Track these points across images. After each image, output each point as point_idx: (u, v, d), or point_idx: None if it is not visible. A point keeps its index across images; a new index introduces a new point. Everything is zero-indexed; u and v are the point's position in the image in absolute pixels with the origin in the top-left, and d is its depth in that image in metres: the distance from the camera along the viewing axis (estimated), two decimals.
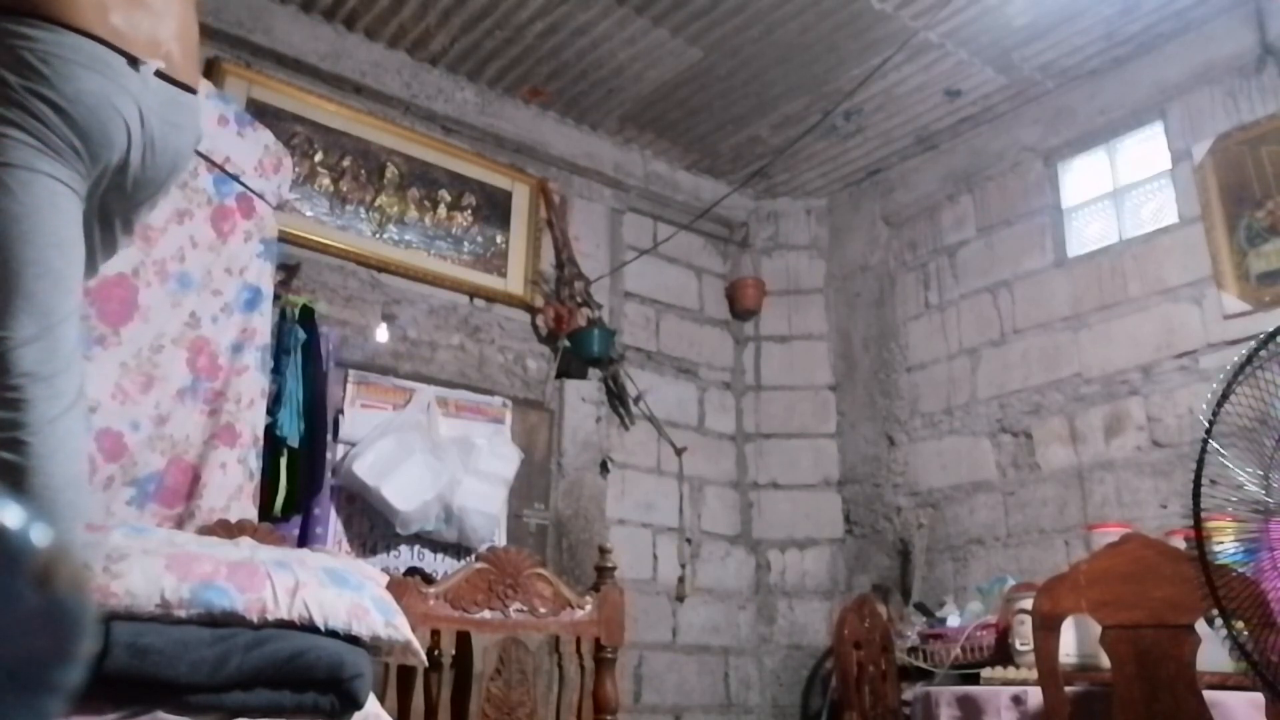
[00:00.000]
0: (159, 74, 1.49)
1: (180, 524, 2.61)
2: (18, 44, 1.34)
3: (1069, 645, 2.43)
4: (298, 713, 1.62)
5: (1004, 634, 3.05)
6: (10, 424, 1.28)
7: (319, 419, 3.16)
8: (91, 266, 1.54)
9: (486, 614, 2.40)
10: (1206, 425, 1.69)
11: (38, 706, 0.46)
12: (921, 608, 3.90)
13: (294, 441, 3.05)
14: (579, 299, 4.11)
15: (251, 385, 2.89)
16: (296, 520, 3.10)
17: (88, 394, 1.46)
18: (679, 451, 4.34)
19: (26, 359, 1.30)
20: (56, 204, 1.36)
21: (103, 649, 1.42)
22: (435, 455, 3.39)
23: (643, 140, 4.46)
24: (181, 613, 1.53)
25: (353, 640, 1.71)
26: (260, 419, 2.92)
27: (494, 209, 4.05)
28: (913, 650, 3.52)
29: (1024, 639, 2.74)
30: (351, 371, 3.46)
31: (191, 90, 1.59)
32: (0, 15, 1.36)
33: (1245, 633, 1.69)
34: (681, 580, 4.24)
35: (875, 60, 3.75)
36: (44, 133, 1.34)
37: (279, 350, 3.10)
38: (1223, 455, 1.69)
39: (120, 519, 2.40)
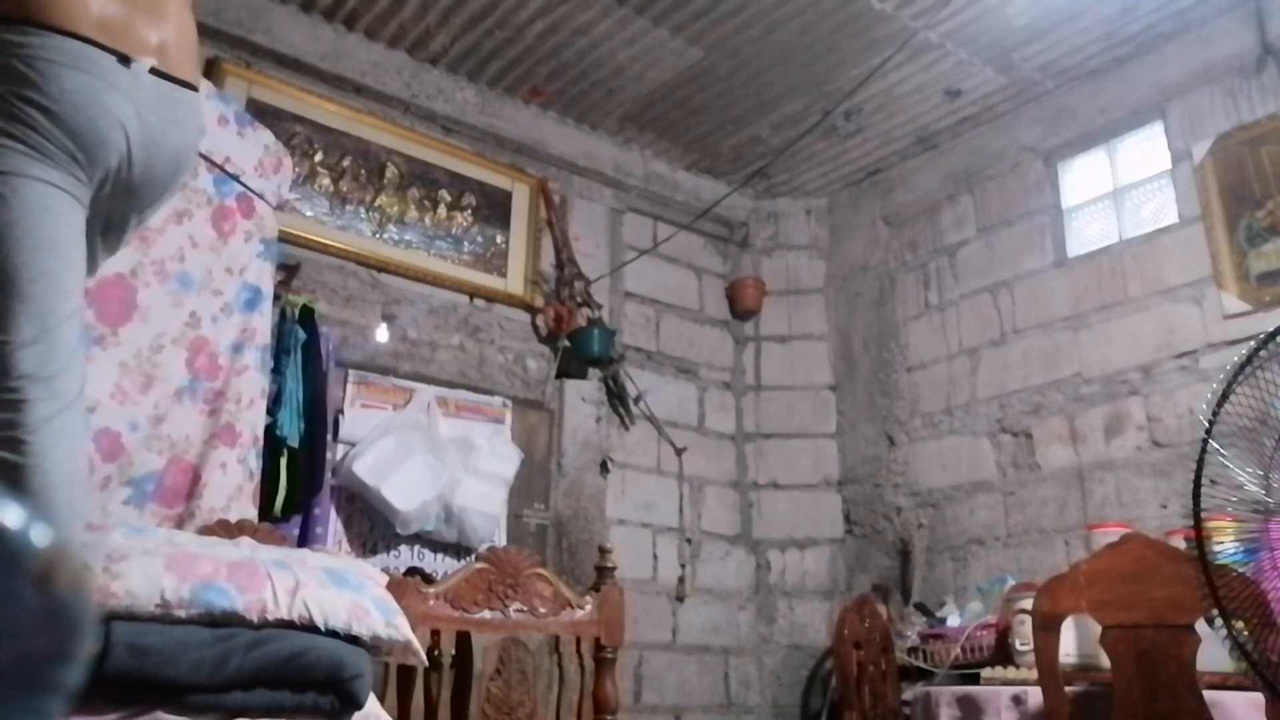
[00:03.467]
0: (155, 71, 1.48)
1: (180, 524, 2.61)
2: (2, 51, 1.34)
3: (1069, 645, 2.43)
4: (298, 713, 1.62)
5: (1004, 634, 3.05)
6: (8, 424, 1.29)
7: (319, 419, 3.16)
8: (92, 267, 1.54)
9: (486, 614, 2.40)
10: (1206, 425, 1.69)
11: (38, 706, 0.46)
12: (921, 608, 3.90)
13: (294, 441, 3.06)
14: (579, 299, 4.11)
15: (251, 385, 2.89)
16: (296, 520, 3.10)
17: (87, 394, 1.46)
18: (679, 451, 4.34)
19: (26, 361, 1.31)
20: (49, 207, 1.36)
21: (103, 649, 1.42)
22: (435, 455, 3.39)
23: (643, 140, 4.46)
24: (181, 613, 1.53)
25: (353, 640, 1.71)
26: (260, 419, 2.92)
27: (494, 209, 4.04)
28: (913, 650, 3.52)
29: (1024, 639, 2.74)
30: (351, 371, 3.46)
31: (191, 87, 1.57)
32: None
33: (1245, 633, 1.68)
34: (681, 580, 4.24)
35: (875, 60, 3.75)
36: (34, 138, 1.34)
37: (279, 350, 3.10)
38: (1223, 455, 1.68)
39: (118, 519, 2.40)
